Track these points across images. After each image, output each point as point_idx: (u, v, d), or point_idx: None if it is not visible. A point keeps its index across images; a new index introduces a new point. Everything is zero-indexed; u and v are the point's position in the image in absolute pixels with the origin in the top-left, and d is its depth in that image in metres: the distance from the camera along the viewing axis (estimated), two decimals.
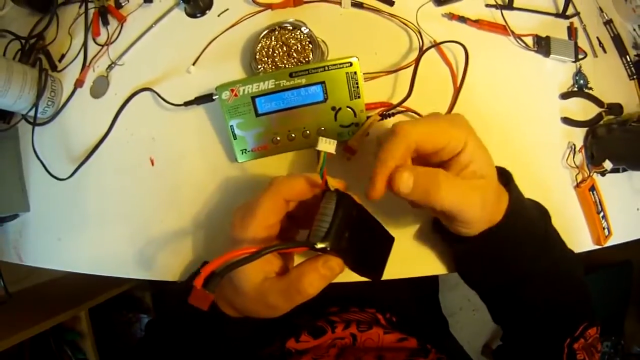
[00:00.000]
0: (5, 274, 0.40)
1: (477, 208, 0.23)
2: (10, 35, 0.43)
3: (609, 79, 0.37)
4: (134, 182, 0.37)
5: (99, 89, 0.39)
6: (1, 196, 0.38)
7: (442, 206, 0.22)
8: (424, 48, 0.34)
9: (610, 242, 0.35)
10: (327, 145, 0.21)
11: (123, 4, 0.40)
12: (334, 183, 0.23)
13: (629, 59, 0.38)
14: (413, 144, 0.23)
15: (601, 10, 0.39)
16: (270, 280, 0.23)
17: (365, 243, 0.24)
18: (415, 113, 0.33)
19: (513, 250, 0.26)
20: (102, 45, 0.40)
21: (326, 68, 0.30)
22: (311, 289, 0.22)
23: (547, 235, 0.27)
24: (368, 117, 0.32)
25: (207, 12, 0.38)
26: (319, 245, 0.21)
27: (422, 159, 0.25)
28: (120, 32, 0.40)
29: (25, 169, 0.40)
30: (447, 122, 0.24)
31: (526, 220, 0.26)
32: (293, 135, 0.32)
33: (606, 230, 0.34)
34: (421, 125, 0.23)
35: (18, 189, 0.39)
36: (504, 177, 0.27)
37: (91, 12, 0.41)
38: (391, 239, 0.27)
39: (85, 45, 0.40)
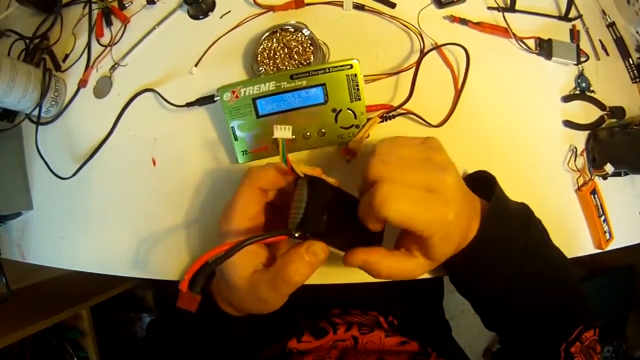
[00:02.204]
0: (7, 272, 0.41)
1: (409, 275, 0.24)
2: (14, 35, 0.43)
3: (611, 82, 0.37)
4: (136, 182, 0.37)
5: (102, 89, 0.39)
6: (4, 194, 0.38)
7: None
8: (425, 50, 0.34)
9: (612, 246, 0.35)
10: (282, 132, 0.21)
11: (127, 5, 0.41)
12: (305, 169, 0.22)
13: (631, 62, 0.38)
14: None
15: (604, 12, 0.39)
16: (258, 272, 0.23)
17: (351, 222, 0.23)
18: (416, 115, 0.33)
19: (491, 265, 0.26)
20: (106, 46, 0.40)
21: (327, 70, 0.30)
22: (297, 276, 0.21)
23: (528, 246, 0.26)
24: (369, 119, 0.32)
25: (210, 14, 0.38)
26: (297, 233, 0.21)
27: None
28: (123, 33, 0.40)
29: (28, 167, 0.41)
30: (429, 205, 0.20)
31: (504, 234, 0.26)
32: (293, 137, 0.32)
33: (607, 234, 0.34)
34: (403, 206, 0.20)
35: (21, 187, 0.40)
36: (487, 184, 0.27)
37: (95, 12, 0.41)
38: None
39: (88, 45, 0.40)
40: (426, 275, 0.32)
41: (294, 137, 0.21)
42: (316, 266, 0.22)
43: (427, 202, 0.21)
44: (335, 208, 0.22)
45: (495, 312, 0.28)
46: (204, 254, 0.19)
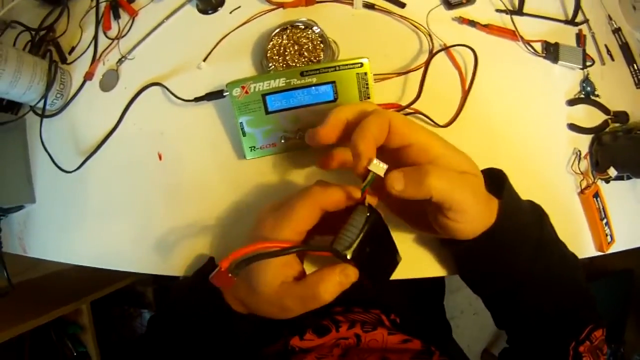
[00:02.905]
0: (8, 265, 0.40)
1: (469, 195, 0.23)
2: (20, 27, 0.43)
3: (616, 87, 0.38)
4: (141, 177, 0.37)
5: (109, 82, 0.39)
6: (7, 187, 0.38)
7: (435, 194, 0.22)
8: (434, 51, 0.35)
9: (613, 249, 0.35)
10: (378, 167, 0.22)
11: None
12: (369, 198, 0.23)
13: (636, 67, 0.39)
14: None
15: (610, 18, 0.39)
16: (288, 284, 0.23)
17: (378, 260, 0.25)
18: (424, 115, 0.34)
19: (506, 254, 0.26)
20: (113, 39, 0.40)
21: (337, 68, 0.30)
22: (327, 295, 0.22)
23: (542, 238, 0.26)
24: None
25: (219, 9, 0.38)
26: (343, 253, 0.22)
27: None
28: (131, 26, 0.40)
29: (31, 160, 0.40)
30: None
31: (519, 223, 0.26)
32: (302, 133, 0.32)
33: (609, 237, 0.34)
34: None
35: (24, 180, 0.40)
36: (498, 178, 0.27)
37: (102, 5, 0.41)
38: (398, 260, 0.27)
39: (95, 38, 0.40)
40: (425, 275, 0.32)
41: (384, 177, 0.22)
42: (344, 288, 0.23)
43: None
44: (377, 245, 0.24)
45: (507, 307, 0.28)
46: (254, 244, 0.20)
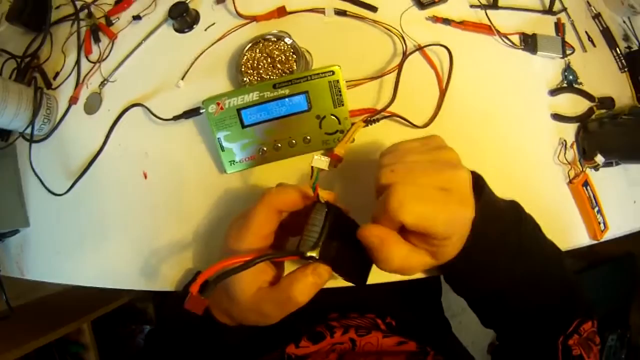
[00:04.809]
0: (8, 289, 0.41)
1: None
2: (5, 54, 0.44)
3: (599, 73, 0.37)
4: (128, 196, 0.37)
5: (93, 105, 0.40)
6: (1, 212, 0.39)
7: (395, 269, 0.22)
8: (407, 52, 0.34)
9: (607, 236, 0.34)
10: (320, 162, 0.22)
11: (113, 22, 0.41)
12: (324, 195, 0.23)
13: (619, 52, 0.38)
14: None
15: (589, 4, 0.39)
16: (264, 289, 0.24)
17: (353, 252, 0.24)
18: (401, 117, 0.33)
19: (486, 265, 0.26)
20: (95, 63, 0.41)
21: (308, 78, 0.30)
22: (301, 296, 0.22)
23: (521, 242, 0.26)
24: (353, 124, 0.32)
25: (194, 26, 0.39)
26: (308, 254, 0.22)
27: None
28: (111, 49, 0.41)
29: (23, 185, 0.41)
30: (447, 204, 0.20)
31: (497, 233, 0.26)
32: (279, 145, 0.32)
33: (602, 225, 0.34)
34: (420, 207, 0.19)
35: (17, 205, 0.40)
36: (476, 183, 0.26)
37: (83, 30, 0.42)
38: None
39: (78, 63, 0.41)
40: (422, 275, 0.32)
41: (329, 169, 0.23)
42: (320, 287, 0.23)
43: (444, 202, 0.19)
44: (345, 237, 0.23)
45: (492, 309, 0.28)
46: (218, 262, 0.20)
